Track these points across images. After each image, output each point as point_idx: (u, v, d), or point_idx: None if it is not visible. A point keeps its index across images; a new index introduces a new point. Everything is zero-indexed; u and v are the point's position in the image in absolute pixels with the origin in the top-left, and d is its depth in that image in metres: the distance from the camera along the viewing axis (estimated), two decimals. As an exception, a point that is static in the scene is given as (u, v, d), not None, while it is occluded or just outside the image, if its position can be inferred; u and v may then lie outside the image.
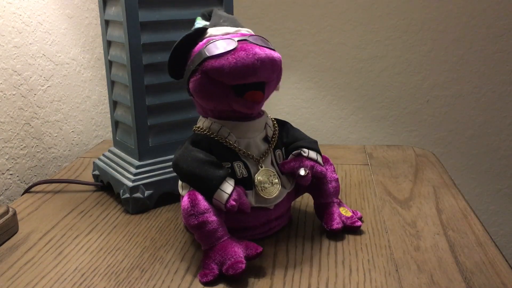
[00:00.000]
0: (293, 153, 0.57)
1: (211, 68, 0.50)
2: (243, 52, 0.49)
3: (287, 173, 0.57)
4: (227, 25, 0.55)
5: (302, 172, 0.55)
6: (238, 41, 0.51)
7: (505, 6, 1.01)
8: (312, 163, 0.56)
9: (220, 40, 0.51)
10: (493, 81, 1.05)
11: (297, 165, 0.56)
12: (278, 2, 1.06)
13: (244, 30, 0.55)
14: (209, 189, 0.51)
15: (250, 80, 0.50)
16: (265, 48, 0.51)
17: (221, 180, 0.51)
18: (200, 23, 0.56)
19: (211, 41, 0.51)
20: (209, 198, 0.51)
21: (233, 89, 0.51)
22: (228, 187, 0.51)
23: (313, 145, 0.58)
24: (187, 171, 0.52)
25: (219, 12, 0.57)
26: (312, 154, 0.57)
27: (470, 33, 1.03)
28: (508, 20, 1.02)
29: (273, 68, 0.51)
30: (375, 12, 1.04)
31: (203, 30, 0.54)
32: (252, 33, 0.55)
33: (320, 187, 0.59)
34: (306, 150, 0.57)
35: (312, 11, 1.06)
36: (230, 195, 0.50)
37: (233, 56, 0.49)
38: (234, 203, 0.50)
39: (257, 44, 0.51)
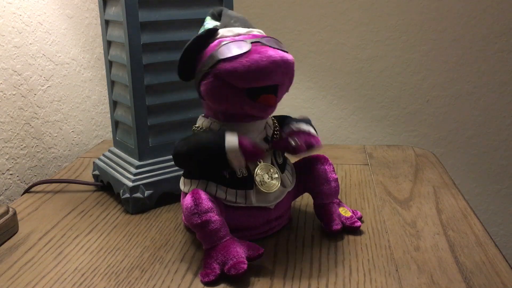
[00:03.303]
0: (285, 131, 0.56)
1: (224, 71, 0.49)
2: (257, 55, 0.48)
3: (281, 150, 0.56)
4: (238, 26, 0.54)
5: (292, 142, 0.54)
6: (251, 43, 0.50)
7: (505, 6, 1.01)
8: (304, 134, 0.55)
9: (233, 42, 0.50)
10: (493, 81, 1.05)
11: (287, 136, 0.55)
12: (278, 2, 1.06)
13: (256, 31, 0.54)
14: (217, 146, 0.50)
15: (264, 83, 0.49)
16: (278, 50, 0.50)
17: (222, 134, 0.50)
18: (209, 23, 0.55)
19: (224, 43, 0.50)
20: (222, 154, 0.50)
21: (246, 93, 0.50)
22: (231, 135, 0.50)
23: (304, 121, 0.57)
24: (189, 150, 0.51)
25: (229, 12, 0.55)
26: (303, 126, 0.56)
27: (470, 33, 1.03)
28: (508, 20, 1.02)
29: (287, 71, 0.50)
30: (375, 12, 1.04)
31: (214, 31, 0.53)
32: (264, 34, 0.54)
33: (320, 187, 0.59)
34: (294, 123, 0.56)
35: (312, 11, 1.06)
36: (238, 139, 0.50)
37: (247, 59, 0.48)
38: (247, 142, 0.50)
39: (270, 46, 0.50)
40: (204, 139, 0.51)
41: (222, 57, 0.49)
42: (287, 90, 0.54)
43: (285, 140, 0.55)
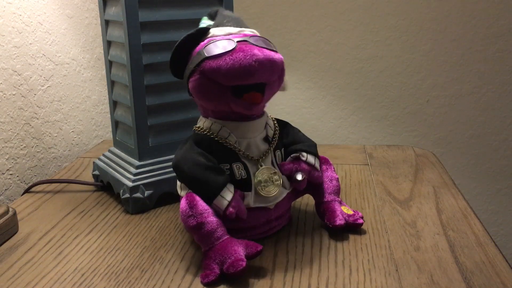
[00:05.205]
0: (292, 155, 0.57)
1: (208, 68, 0.50)
2: (241, 53, 0.49)
3: (284, 175, 0.57)
4: (230, 25, 0.55)
5: (299, 177, 0.55)
6: (238, 41, 0.51)
7: (505, 6, 1.01)
8: (309, 168, 0.56)
9: (220, 40, 0.51)
10: (493, 81, 1.05)
11: (295, 168, 0.56)
12: (278, 2, 1.06)
13: (248, 31, 0.55)
14: (210, 195, 0.51)
15: (248, 81, 0.50)
16: (264, 49, 0.50)
17: (222, 187, 0.51)
18: (205, 22, 0.56)
19: (212, 41, 0.51)
20: (208, 202, 0.51)
21: (231, 90, 0.51)
22: (228, 194, 0.51)
23: (312, 149, 0.58)
24: (188, 174, 0.52)
25: (224, 12, 0.56)
26: (310, 159, 0.57)
27: (470, 33, 1.03)
28: (508, 20, 1.02)
29: (273, 70, 0.51)
30: (375, 12, 1.04)
31: (205, 30, 0.54)
32: (256, 33, 0.55)
33: (321, 186, 0.59)
34: (304, 154, 0.57)
35: (312, 11, 1.06)
36: (230, 202, 0.51)
37: (231, 57, 0.49)
38: (233, 210, 0.51)
39: (257, 45, 0.51)
40: (201, 175, 0.52)
41: (208, 55, 0.50)
42: (278, 89, 0.55)
43: (291, 170, 0.56)
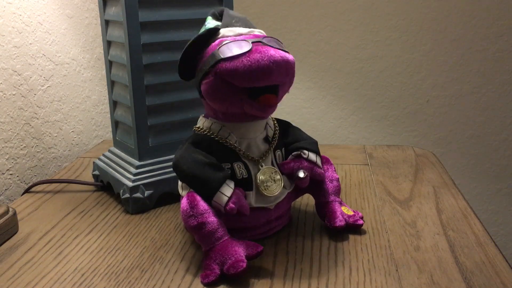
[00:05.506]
0: (293, 154, 0.57)
1: (224, 70, 0.49)
2: (258, 55, 0.48)
3: (286, 174, 0.57)
4: (239, 26, 0.54)
5: (301, 174, 0.55)
6: (252, 42, 0.50)
7: (505, 6, 1.01)
8: (311, 165, 0.56)
9: (234, 41, 0.50)
10: (493, 81, 1.05)
11: (296, 166, 0.56)
12: (278, 2, 1.06)
13: (257, 31, 0.54)
14: (209, 191, 0.51)
15: (265, 83, 0.49)
16: (279, 50, 0.50)
17: (221, 182, 0.51)
18: (211, 23, 0.55)
19: (224, 42, 0.50)
20: (208, 200, 0.51)
21: (247, 92, 0.50)
22: (228, 189, 0.51)
23: (313, 147, 0.58)
24: (188, 172, 0.52)
25: (230, 12, 0.56)
26: (312, 156, 0.57)
27: (470, 33, 1.03)
28: (508, 20, 1.02)
29: (288, 71, 0.50)
30: (375, 12, 1.04)
31: (215, 31, 0.53)
32: (265, 34, 0.54)
33: (321, 187, 0.59)
34: (306, 151, 0.57)
35: (312, 11, 1.06)
36: (230, 197, 0.50)
37: (248, 58, 0.48)
38: (233, 206, 0.50)
39: (271, 46, 0.50)
40: (200, 172, 0.52)
41: (223, 57, 0.49)
42: (287, 90, 0.54)
43: (293, 168, 0.56)
